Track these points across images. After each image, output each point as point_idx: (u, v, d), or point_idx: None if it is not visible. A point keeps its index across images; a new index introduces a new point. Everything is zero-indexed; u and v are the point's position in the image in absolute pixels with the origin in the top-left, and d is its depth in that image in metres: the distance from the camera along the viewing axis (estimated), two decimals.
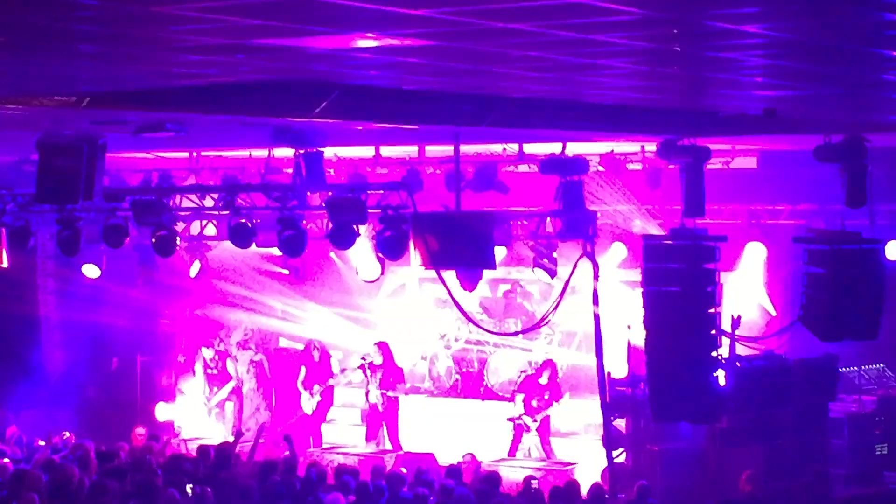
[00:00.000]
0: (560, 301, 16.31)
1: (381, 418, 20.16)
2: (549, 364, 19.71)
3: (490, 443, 19.55)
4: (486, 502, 13.76)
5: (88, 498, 13.44)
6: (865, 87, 11.39)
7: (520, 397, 19.49)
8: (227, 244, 17.51)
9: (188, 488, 13.95)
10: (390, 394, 20.09)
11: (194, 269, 19.67)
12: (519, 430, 19.43)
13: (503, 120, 13.03)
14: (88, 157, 12.68)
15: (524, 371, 20.15)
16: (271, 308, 22.10)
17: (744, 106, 12.97)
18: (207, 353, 21.35)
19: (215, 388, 21.18)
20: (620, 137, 16.17)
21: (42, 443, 16.60)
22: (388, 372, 20.16)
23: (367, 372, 20.19)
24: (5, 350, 19.89)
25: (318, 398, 20.92)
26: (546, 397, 19.31)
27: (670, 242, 13.71)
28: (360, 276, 18.23)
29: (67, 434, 17.44)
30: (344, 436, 20.96)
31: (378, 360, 20.18)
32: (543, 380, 19.43)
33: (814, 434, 16.82)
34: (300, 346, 21.71)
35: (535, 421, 19.26)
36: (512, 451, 19.27)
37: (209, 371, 21.25)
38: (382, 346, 20.40)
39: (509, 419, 19.47)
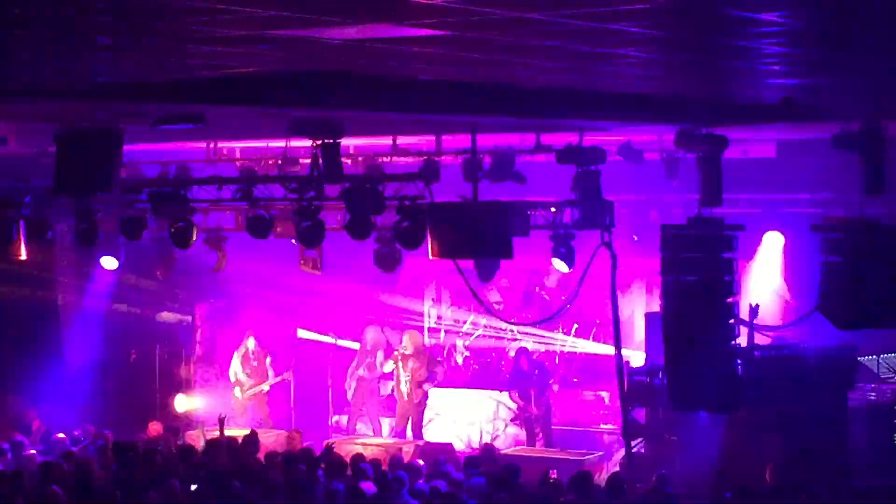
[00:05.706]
0: (578, 291, 16.30)
1: (409, 409, 20.10)
2: (521, 351, 19.85)
3: (507, 434, 19.53)
4: (505, 491, 13.76)
5: (111, 490, 13.48)
6: (883, 75, 11.34)
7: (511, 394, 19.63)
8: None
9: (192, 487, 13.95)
10: (426, 387, 20.02)
11: (215, 260, 19.65)
12: (526, 422, 19.48)
13: (520, 110, 13.02)
14: (106, 149, 12.69)
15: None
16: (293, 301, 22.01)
17: (761, 94, 12.93)
18: (251, 343, 21.03)
19: (251, 381, 20.89)
20: (637, 127, 16.12)
21: (62, 435, 16.61)
22: (419, 363, 20.06)
23: (400, 363, 20.15)
24: (24, 343, 19.91)
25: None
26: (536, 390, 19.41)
27: (688, 232, 13.68)
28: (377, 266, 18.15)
29: (88, 428, 17.45)
30: (363, 425, 20.98)
31: (409, 351, 20.11)
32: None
33: (833, 424, 16.75)
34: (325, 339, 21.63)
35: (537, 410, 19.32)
36: (528, 442, 19.26)
37: (250, 363, 20.95)
38: (414, 337, 20.36)
39: (511, 420, 19.54)
